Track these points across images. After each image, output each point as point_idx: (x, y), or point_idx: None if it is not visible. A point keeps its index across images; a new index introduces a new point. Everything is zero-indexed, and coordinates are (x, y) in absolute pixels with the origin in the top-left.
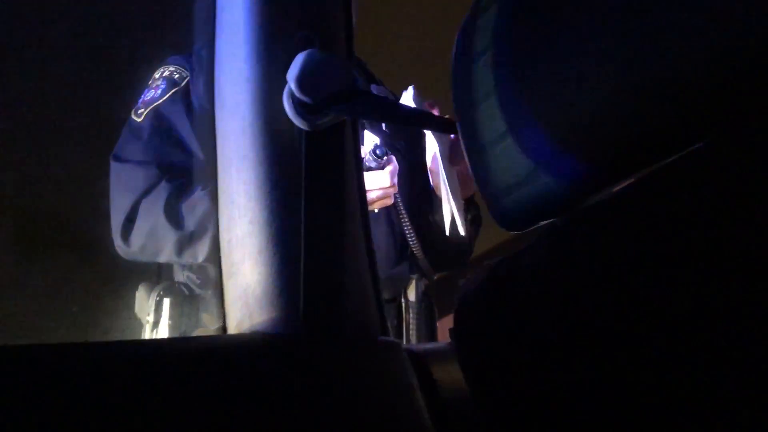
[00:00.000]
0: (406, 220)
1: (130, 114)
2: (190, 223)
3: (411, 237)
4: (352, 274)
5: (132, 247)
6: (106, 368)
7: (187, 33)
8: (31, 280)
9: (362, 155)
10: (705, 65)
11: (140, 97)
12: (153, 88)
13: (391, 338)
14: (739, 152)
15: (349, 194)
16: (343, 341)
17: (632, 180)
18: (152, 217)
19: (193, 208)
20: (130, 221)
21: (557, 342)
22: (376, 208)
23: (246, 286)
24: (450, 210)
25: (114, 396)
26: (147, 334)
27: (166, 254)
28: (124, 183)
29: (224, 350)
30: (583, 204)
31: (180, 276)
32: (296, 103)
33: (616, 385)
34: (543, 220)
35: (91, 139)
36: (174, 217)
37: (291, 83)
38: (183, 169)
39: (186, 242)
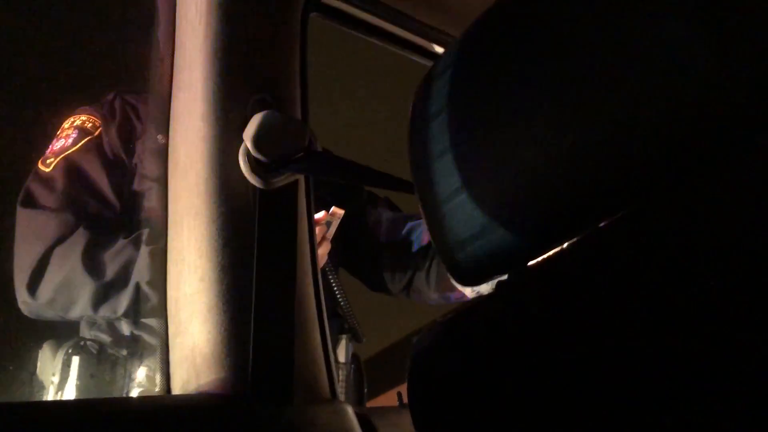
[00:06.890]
0: (335, 275)
1: (36, 165)
2: (111, 273)
3: (340, 293)
4: (302, 334)
5: (40, 300)
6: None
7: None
8: None
9: None
10: (637, 136)
11: (48, 148)
12: (63, 138)
13: (340, 400)
14: (671, 217)
15: (301, 252)
16: (291, 403)
17: (579, 236)
18: (66, 267)
19: (116, 257)
20: (39, 271)
21: (515, 394)
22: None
23: (193, 345)
24: None
25: None
26: (51, 397)
27: (79, 308)
28: (34, 231)
29: (171, 411)
30: (534, 258)
31: (87, 333)
32: (252, 161)
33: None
34: (496, 274)
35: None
36: (93, 266)
37: (247, 142)
38: (99, 218)
39: (104, 294)
